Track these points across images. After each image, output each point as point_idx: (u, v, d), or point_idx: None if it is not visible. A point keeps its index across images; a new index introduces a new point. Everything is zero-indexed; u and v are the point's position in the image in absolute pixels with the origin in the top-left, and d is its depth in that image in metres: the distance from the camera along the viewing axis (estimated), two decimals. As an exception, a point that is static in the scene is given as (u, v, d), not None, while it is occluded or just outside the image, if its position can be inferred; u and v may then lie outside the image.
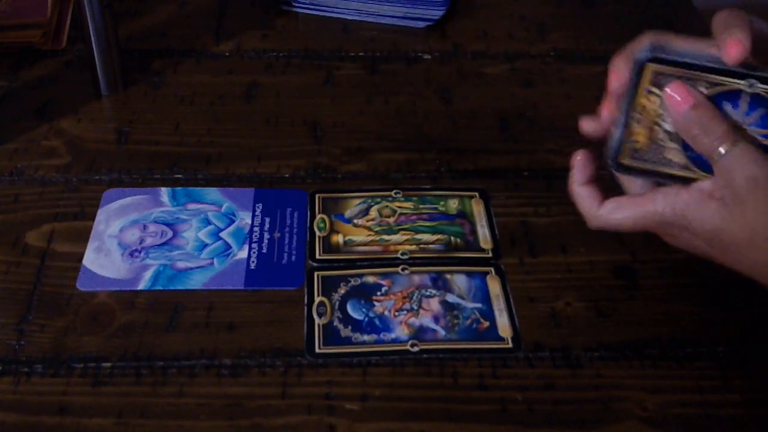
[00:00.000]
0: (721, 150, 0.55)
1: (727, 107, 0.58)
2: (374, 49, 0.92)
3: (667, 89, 0.57)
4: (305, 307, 0.65)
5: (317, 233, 0.71)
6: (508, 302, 0.66)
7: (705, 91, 0.58)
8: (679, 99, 0.57)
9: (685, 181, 0.58)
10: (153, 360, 0.62)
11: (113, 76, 0.84)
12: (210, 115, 0.83)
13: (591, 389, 0.61)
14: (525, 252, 0.70)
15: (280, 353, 0.62)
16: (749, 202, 0.54)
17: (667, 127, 0.59)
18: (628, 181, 0.61)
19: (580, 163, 0.61)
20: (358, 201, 0.74)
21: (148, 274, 0.67)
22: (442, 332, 0.64)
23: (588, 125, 0.61)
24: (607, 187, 0.60)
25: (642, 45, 0.58)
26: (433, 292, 0.67)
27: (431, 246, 0.70)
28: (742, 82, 0.57)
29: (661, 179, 0.59)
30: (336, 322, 0.64)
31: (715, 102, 0.58)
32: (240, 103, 0.85)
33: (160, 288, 0.66)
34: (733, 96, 0.58)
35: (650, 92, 0.59)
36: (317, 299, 0.66)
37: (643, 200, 0.58)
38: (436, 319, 0.65)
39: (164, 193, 0.74)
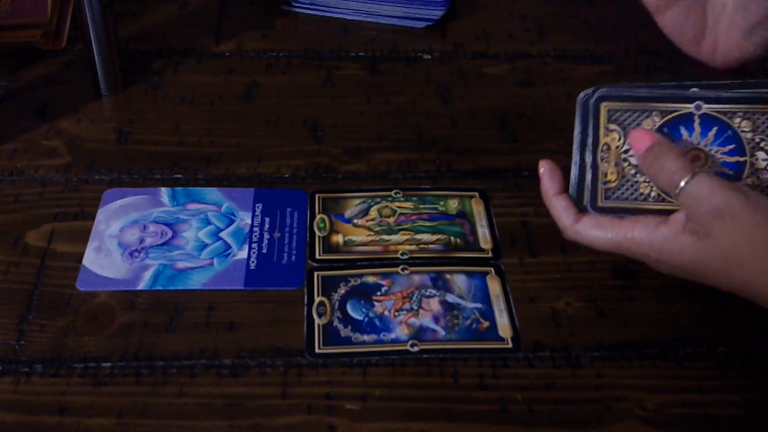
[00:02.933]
0: (681, 184, 0.56)
1: (684, 131, 0.60)
2: (374, 49, 0.92)
3: (629, 135, 0.60)
4: (305, 307, 0.65)
5: (317, 233, 0.71)
6: (508, 302, 0.66)
7: (659, 121, 0.60)
8: (637, 142, 0.59)
9: (662, 213, 0.59)
10: (153, 360, 0.62)
11: (113, 76, 0.84)
12: (210, 115, 0.83)
13: (591, 389, 0.61)
14: (525, 252, 0.70)
15: (280, 353, 0.62)
16: (717, 232, 0.54)
17: (633, 161, 0.60)
18: None
19: (548, 173, 0.62)
20: (358, 201, 0.74)
21: (148, 274, 0.67)
22: (442, 332, 0.64)
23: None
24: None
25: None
26: (433, 292, 0.67)
27: (431, 246, 0.70)
28: (690, 105, 0.60)
29: (640, 214, 0.60)
30: (336, 322, 0.64)
31: (671, 128, 0.60)
32: (240, 103, 0.85)
33: (160, 288, 0.66)
34: (686, 119, 0.61)
35: (609, 130, 0.61)
36: (317, 299, 0.66)
37: (624, 225, 0.59)
38: (436, 319, 0.65)
39: (164, 193, 0.74)
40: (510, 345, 0.63)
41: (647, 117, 0.61)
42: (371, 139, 0.81)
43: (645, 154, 0.59)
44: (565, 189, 0.62)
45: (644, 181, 0.60)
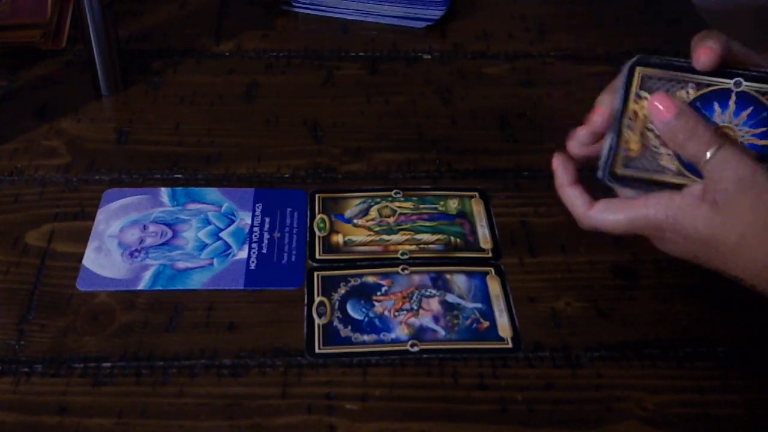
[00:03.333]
0: (707, 155, 0.55)
1: (717, 108, 0.58)
2: (374, 49, 0.92)
3: (651, 99, 0.58)
4: (305, 307, 0.65)
5: (317, 233, 0.71)
6: (508, 302, 0.66)
7: (693, 93, 0.58)
8: (662, 108, 0.58)
9: (678, 188, 0.58)
10: (153, 360, 0.62)
11: (113, 76, 0.84)
12: (210, 115, 0.83)
13: (591, 389, 0.61)
14: (525, 252, 0.70)
15: (280, 353, 0.62)
16: (738, 203, 0.54)
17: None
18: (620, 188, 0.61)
19: (561, 165, 0.62)
20: (358, 201, 0.74)
21: (148, 274, 0.67)
22: (442, 332, 0.64)
23: (573, 145, 0.61)
24: (596, 188, 0.60)
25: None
26: (433, 292, 0.67)
27: (431, 246, 0.70)
28: (728, 81, 0.58)
29: (656, 187, 0.59)
30: (336, 322, 0.64)
31: (705, 103, 0.58)
32: (240, 103, 0.85)
33: (160, 288, 0.66)
34: (722, 96, 0.59)
35: (640, 97, 0.59)
36: (317, 299, 0.66)
37: (636, 203, 0.58)
38: (436, 319, 0.65)
39: (164, 193, 0.74)
40: (510, 345, 0.63)
41: (681, 88, 0.59)
42: (371, 139, 0.81)
43: (674, 120, 0.57)
44: (578, 180, 0.61)
45: (667, 154, 0.59)
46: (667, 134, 0.58)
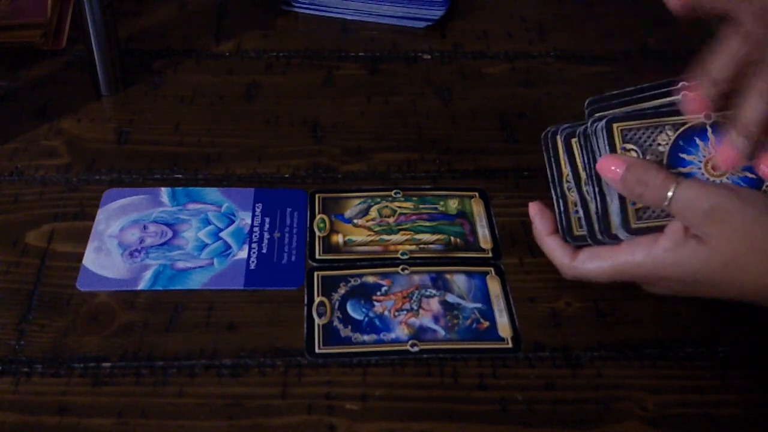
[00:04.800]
0: (668, 195, 0.56)
1: (699, 142, 0.60)
2: (374, 49, 0.92)
3: (600, 163, 0.59)
4: (305, 307, 0.65)
5: (317, 233, 0.71)
6: (508, 302, 0.66)
7: (672, 134, 0.60)
8: (612, 169, 0.58)
9: None
10: (153, 360, 0.62)
11: (113, 76, 0.84)
12: (210, 115, 0.83)
13: (591, 389, 0.61)
14: (525, 252, 0.70)
15: (280, 353, 0.62)
16: (715, 236, 0.54)
17: None
18: None
19: (538, 214, 0.62)
20: (358, 201, 0.74)
21: (148, 274, 0.67)
22: (442, 332, 0.64)
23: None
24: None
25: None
26: (433, 292, 0.67)
27: (431, 246, 0.70)
28: (701, 115, 0.59)
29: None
30: (336, 322, 0.64)
31: (686, 141, 0.60)
32: (240, 103, 0.85)
33: (160, 288, 0.66)
34: (699, 131, 0.60)
35: (627, 150, 0.61)
36: (317, 299, 0.66)
37: (619, 250, 0.58)
38: (436, 319, 0.65)
39: (164, 193, 0.74)
40: (510, 345, 0.63)
41: (660, 132, 0.60)
42: (371, 139, 0.81)
43: (624, 177, 0.57)
44: (556, 228, 0.62)
45: None
46: (625, 190, 0.58)
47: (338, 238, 0.70)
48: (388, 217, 0.72)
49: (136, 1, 0.98)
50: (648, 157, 0.60)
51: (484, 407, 0.59)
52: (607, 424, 0.59)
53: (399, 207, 0.73)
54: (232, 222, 0.72)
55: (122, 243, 0.70)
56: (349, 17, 0.97)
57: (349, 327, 0.64)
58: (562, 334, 0.64)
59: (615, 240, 0.61)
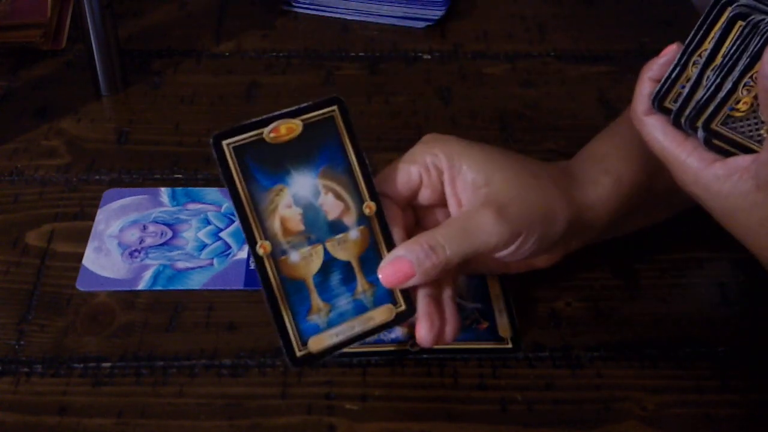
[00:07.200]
0: None
1: None
2: (374, 49, 0.92)
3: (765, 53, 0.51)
4: (305, 307, 0.65)
5: (317, 233, 0.71)
6: (508, 302, 0.66)
7: None
8: None
9: None
10: (153, 360, 0.62)
11: (113, 76, 0.84)
12: (210, 115, 0.83)
13: (591, 389, 0.61)
14: (525, 252, 0.70)
15: (280, 353, 0.62)
16: None
17: None
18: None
19: (665, 56, 0.57)
20: (358, 201, 0.73)
21: (148, 274, 0.67)
22: (442, 332, 0.64)
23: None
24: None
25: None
26: (433, 292, 0.66)
27: (431, 246, 0.70)
28: None
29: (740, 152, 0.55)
30: (336, 322, 0.64)
31: None
32: (240, 103, 0.85)
33: (160, 288, 0.66)
34: None
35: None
36: (317, 299, 0.66)
37: (684, 143, 0.55)
38: (436, 319, 0.65)
39: (164, 193, 0.74)
40: (510, 345, 0.63)
41: None
42: (371, 139, 0.81)
43: None
44: (661, 77, 0.57)
45: None
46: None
47: (338, 238, 0.70)
48: (388, 217, 0.72)
49: (136, 1, 0.98)
50: None
51: (484, 407, 0.59)
52: (607, 424, 0.59)
53: (399, 207, 0.73)
54: (232, 222, 0.72)
55: (122, 243, 0.70)
56: (349, 17, 0.97)
57: (349, 327, 0.64)
58: (562, 334, 0.64)
59: (693, 132, 0.55)
